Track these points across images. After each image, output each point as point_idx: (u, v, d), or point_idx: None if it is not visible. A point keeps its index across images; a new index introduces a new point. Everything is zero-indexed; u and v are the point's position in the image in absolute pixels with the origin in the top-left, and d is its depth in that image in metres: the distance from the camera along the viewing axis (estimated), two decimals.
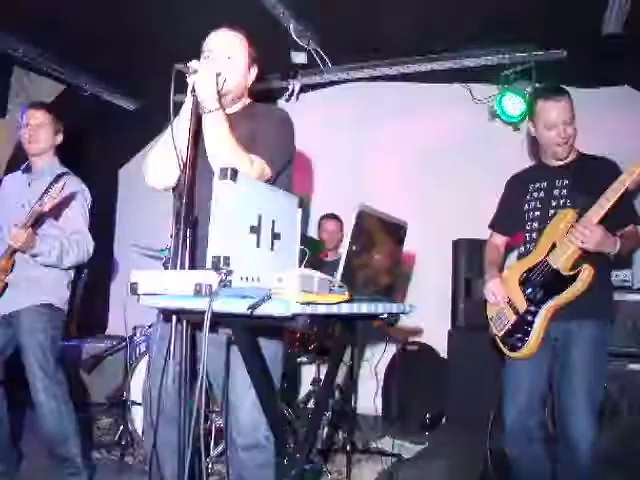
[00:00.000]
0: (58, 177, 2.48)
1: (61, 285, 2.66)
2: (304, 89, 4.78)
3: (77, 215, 2.64)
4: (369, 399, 4.39)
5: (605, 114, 4.04)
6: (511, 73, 4.12)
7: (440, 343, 4.33)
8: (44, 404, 2.47)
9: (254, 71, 1.98)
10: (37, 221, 2.43)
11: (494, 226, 2.58)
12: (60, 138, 2.77)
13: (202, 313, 1.29)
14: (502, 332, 2.33)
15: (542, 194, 2.34)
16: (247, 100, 2.01)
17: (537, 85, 4.01)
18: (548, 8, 3.48)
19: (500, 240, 2.56)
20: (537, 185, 2.37)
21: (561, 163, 2.34)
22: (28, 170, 2.75)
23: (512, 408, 2.28)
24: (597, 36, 3.67)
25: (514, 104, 4.10)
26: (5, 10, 3.57)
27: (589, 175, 2.23)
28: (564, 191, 2.28)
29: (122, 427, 3.36)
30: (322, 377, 3.26)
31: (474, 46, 4.13)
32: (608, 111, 4.06)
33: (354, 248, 1.44)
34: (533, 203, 2.36)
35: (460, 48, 4.19)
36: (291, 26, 3.83)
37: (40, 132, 2.67)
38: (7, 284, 2.54)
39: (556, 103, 2.24)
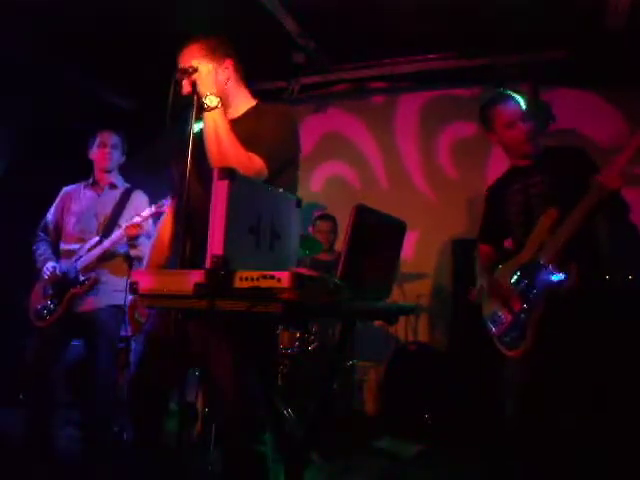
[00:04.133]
0: (128, 190, 3.09)
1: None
2: (304, 89, 4.78)
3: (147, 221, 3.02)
4: (369, 399, 4.40)
5: (604, 114, 4.05)
6: (511, 73, 4.11)
7: (440, 343, 4.34)
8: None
9: (228, 62, 1.89)
10: (113, 228, 2.94)
11: (482, 239, 2.62)
12: (124, 157, 3.19)
13: (202, 313, 1.29)
14: (499, 332, 2.34)
15: (520, 197, 2.39)
16: (253, 101, 1.98)
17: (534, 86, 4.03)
18: (548, 7, 3.48)
19: (489, 249, 2.59)
20: (513, 188, 2.42)
21: (530, 162, 2.38)
22: (95, 183, 3.10)
23: (512, 405, 2.29)
24: (597, 36, 3.67)
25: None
26: (5, 9, 3.57)
27: (559, 167, 2.28)
28: (540, 189, 2.32)
29: (122, 426, 3.36)
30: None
31: (474, 46, 4.12)
32: (607, 111, 4.06)
33: (353, 247, 1.44)
34: (514, 208, 2.41)
35: (460, 48, 4.19)
36: (291, 26, 3.84)
37: (114, 153, 3.09)
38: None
39: (506, 103, 2.39)
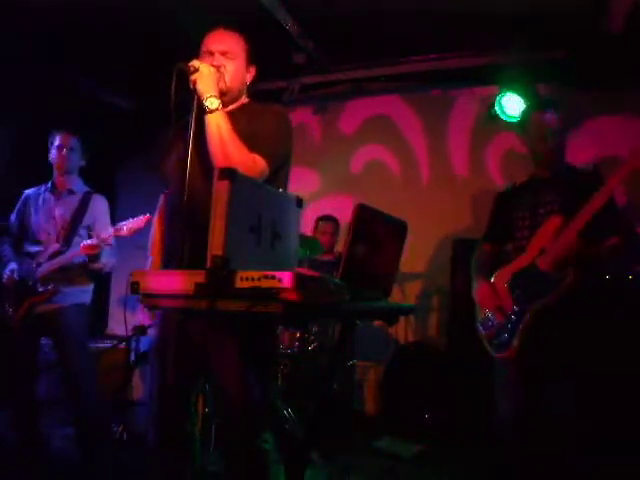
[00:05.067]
0: (87, 194, 3.03)
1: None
2: (304, 89, 4.78)
3: (107, 229, 2.92)
4: (369, 399, 4.40)
5: (604, 115, 4.05)
6: (511, 73, 4.11)
7: (440, 342, 4.34)
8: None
9: (252, 70, 1.99)
10: (72, 234, 2.91)
11: (486, 238, 2.62)
12: (84, 161, 3.12)
13: (202, 313, 1.29)
14: (489, 333, 2.35)
15: (531, 203, 2.40)
16: (245, 99, 2.02)
17: (535, 87, 4.01)
18: (548, 8, 3.48)
19: (491, 249, 2.59)
20: (527, 195, 2.43)
21: (550, 175, 2.40)
22: (53, 187, 3.05)
23: (504, 406, 2.30)
24: (597, 36, 3.67)
25: (514, 104, 4.10)
26: (5, 9, 3.57)
27: (577, 186, 2.29)
28: (552, 199, 2.33)
29: (122, 426, 3.36)
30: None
31: (474, 46, 4.13)
32: (607, 112, 4.06)
33: (354, 247, 1.44)
34: (522, 213, 2.42)
35: (461, 48, 4.19)
36: (291, 26, 3.84)
37: (71, 156, 3.02)
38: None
39: (545, 114, 2.36)
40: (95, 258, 2.85)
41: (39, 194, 3.07)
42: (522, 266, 2.30)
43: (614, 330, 2.86)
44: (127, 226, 2.73)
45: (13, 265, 2.93)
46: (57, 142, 3.02)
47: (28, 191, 3.13)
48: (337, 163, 4.91)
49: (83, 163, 3.13)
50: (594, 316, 2.29)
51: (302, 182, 4.94)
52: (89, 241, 2.80)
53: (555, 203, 2.31)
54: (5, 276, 2.91)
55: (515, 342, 2.22)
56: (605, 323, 2.48)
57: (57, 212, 2.98)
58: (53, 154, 3.03)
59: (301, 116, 4.98)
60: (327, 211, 4.43)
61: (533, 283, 2.24)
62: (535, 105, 2.48)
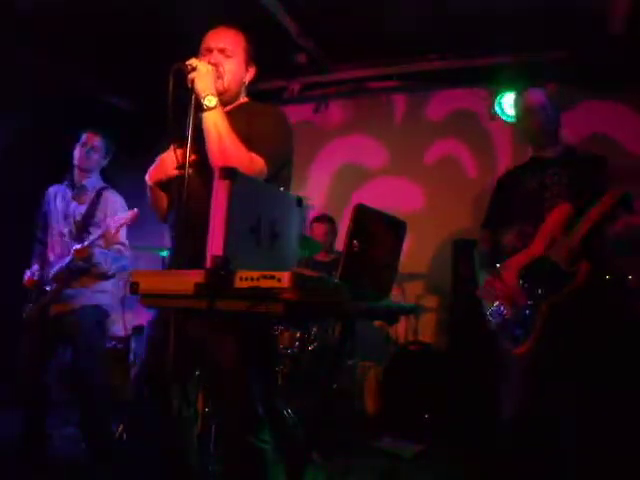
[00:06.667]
0: (100, 191, 2.99)
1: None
2: (304, 89, 4.78)
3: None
4: (369, 399, 4.39)
5: (604, 114, 4.05)
6: (511, 73, 4.11)
7: (440, 342, 4.34)
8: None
9: (252, 70, 1.98)
10: (84, 232, 2.85)
11: (488, 224, 2.57)
12: (106, 161, 3.14)
13: (202, 313, 1.29)
14: (500, 324, 2.32)
15: (535, 186, 2.37)
16: (244, 99, 2.01)
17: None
18: (549, 7, 3.48)
19: (490, 236, 2.55)
20: (529, 178, 2.40)
21: (551, 155, 2.38)
22: (72, 183, 3.06)
23: (511, 403, 2.29)
24: (598, 36, 3.67)
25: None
26: (5, 9, 3.58)
27: (580, 169, 2.28)
28: (557, 183, 2.31)
29: (122, 426, 3.36)
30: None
31: (474, 46, 4.13)
32: (607, 111, 4.06)
33: (354, 247, 1.44)
34: (526, 195, 2.38)
35: (460, 48, 4.19)
36: (291, 26, 3.84)
37: (93, 154, 3.03)
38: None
39: (533, 91, 2.43)
40: (88, 261, 2.78)
41: (59, 190, 3.09)
42: (534, 257, 2.26)
43: (621, 331, 2.85)
44: (113, 225, 2.67)
45: (35, 267, 2.96)
46: (82, 140, 3.03)
47: (51, 188, 3.13)
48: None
49: (104, 163, 3.13)
50: (602, 316, 2.27)
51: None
52: (78, 245, 2.75)
53: (561, 185, 2.29)
54: (26, 277, 2.93)
55: (531, 339, 2.19)
56: (611, 324, 2.45)
57: (72, 209, 2.98)
58: (76, 151, 3.03)
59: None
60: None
61: (547, 277, 2.20)
62: (525, 89, 2.51)
